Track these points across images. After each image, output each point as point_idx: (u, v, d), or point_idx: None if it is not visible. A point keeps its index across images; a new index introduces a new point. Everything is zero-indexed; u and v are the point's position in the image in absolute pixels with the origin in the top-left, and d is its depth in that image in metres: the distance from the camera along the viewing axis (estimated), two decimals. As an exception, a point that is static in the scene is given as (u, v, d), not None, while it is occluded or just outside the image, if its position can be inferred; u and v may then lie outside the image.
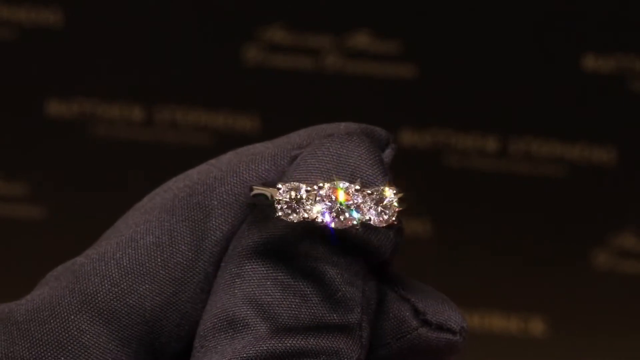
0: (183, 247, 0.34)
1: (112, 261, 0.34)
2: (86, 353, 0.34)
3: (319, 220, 0.33)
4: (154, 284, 0.34)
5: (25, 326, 0.34)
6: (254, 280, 0.33)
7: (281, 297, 0.33)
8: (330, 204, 0.33)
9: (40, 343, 0.34)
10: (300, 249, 0.33)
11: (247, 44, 0.97)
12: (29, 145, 1.00)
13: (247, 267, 0.33)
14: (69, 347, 0.34)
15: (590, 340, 0.98)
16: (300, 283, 0.33)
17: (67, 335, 0.34)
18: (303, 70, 0.97)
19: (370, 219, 0.33)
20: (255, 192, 0.34)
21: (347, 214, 0.33)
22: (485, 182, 0.98)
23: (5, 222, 1.00)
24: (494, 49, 0.96)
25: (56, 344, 0.34)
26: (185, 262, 0.34)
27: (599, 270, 0.98)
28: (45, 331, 0.34)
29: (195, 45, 0.97)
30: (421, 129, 0.97)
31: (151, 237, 0.35)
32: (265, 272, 0.33)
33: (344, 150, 0.34)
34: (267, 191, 0.33)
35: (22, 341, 0.34)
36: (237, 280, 0.33)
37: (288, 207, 0.33)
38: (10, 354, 0.34)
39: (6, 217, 1.00)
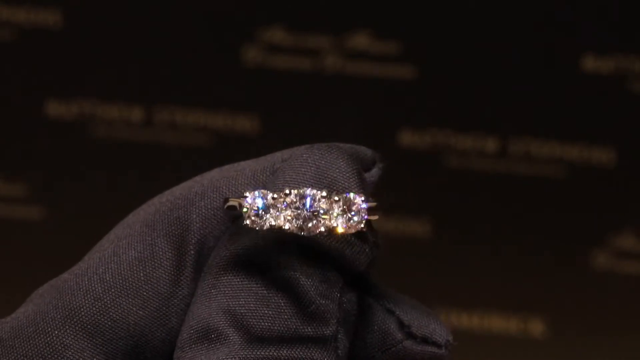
0: (165, 262, 0.34)
1: (94, 276, 0.35)
2: None
3: (286, 227, 0.33)
4: (137, 298, 0.34)
5: (10, 343, 0.34)
6: (229, 291, 0.33)
7: (255, 308, 0.33)
8: (297, 211, 0.33)
9: (25, 359, 0.34)
10: (276, 260, 0.33)
11: (247, 44, 0.97)
12: (28, 145, 1.00)
13: (223, 278, 0.34)
14: None
15: (590, 340, 0.98)
16: (275, 295, 0.33)
17: (50, 350, 0.34)
18: (303, 70, 0.97)
19: (337, 226, 0.33)
20: (228, 204, 0.34)
21: (313, 221, 0.33)
22: (485, 182, 0.98)
23: (5, 222, 1.00)
24: (493, 49, 0.96)
25: (40, 359, 0.34)
26: (167, 277, 0.34)
27: (599, 270, 0.98)
28: (29, 347, 0.34)
29: (195, 46, 0.97)
30: (421, 129, 0.97)
31: (133, 251, 0.35)
32: (240, 283, 0.33)
33: (323, 162, 0.34)
34: (237, 201, 0.33)
35: (7, 358, 0.34)
36: (212, 291, 0.34)
37: (255, 216, 0.33)
38: None
39: (6, 217, 1.00)
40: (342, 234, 0.33)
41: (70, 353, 0.34)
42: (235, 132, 0.97)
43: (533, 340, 0.99)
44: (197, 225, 0.35)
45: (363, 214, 0.33)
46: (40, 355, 0.34)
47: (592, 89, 0.96)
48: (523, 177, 0.98)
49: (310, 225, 0.33)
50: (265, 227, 0.33)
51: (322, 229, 0.33)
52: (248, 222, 0.33)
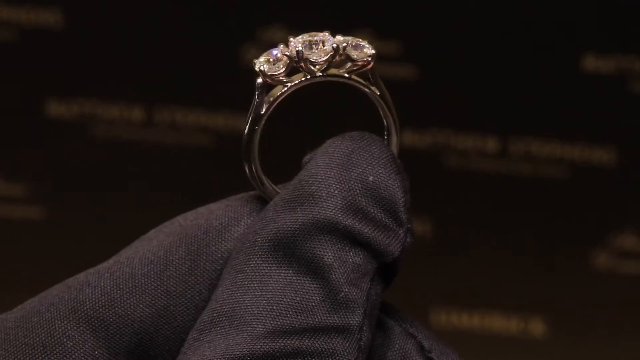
0: (177, 260, 0.34)
1: (106, 274, 0.35)
2: (69, 358, 0.34)
3: (293, 44, 0.35)
4: (145, 295, 0.34)
5: (14, 332, 0.34)
6: (256, 276, 0.33)
7: (282, 294, 0.33)
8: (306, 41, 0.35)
9: (26, 347, 0.34)
10: (308, 245, 0.33)
11: (247, 44, 0.97)
12: (29, 145, 1.00)
13: (251, 262, 0.33)
14: (53, 351, 0.34)
15: (591, 340, 0.98)
16: (303, 280, 0.33)
17: (52, 339, 0.34)
18: (303, 70, 0.97)
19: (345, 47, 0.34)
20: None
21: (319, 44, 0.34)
22: (485, 182, 0.98)
23: (5, 222, 1.00)
24: (493, 49, 0.96)
25: (41, 347, 0.34)
26: (178, 276, 0.34)
27: (599, 270, 0.98)
28: (31, 336, 0.34)
29: (195, 46, 0.97)
30: (421, 129, 0.97)
31: (149, 254, 0.35)
32: (267, 268, 0.33)
33: (355, 147, 0.35)
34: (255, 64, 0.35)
35: (9, 346, 0.34)
36: (239, 275, 0.33)
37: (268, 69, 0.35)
38: None
39: (6, 217, 1.00)
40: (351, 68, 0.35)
41: (71, 344, 0.34)
42: (236, 133, 0.97)
43: (533, 340, 0.99)
44: (217, 230, 0.35)
45: (371, 52, 0.35)
46: (41, 344, 0.34)
47: (592, 89, 0.96)
48: (523, 177, 0.98)
49: (315, 47, 0.34)
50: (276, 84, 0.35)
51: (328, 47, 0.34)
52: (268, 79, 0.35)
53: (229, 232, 0.35)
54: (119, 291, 0.34)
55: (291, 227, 0.33)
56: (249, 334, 0.32)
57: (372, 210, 0.33)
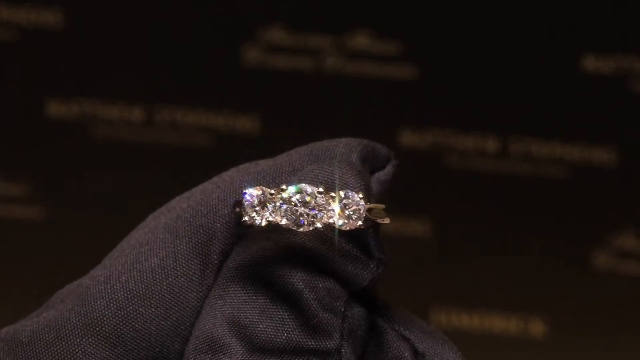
0: (188, 270, 0.34)
1: (117, 284, 0.34)
2: None
3: (282, 223, 0.33)
4: (160, 308, 0.34)
5: (31, 347, 0.34)
6: (234, 302, 0.33)
7: (259, 319, 0.33)
8: (293, 207, 0.33)
9: None
10: (280, 272, 0.33)
11: (247, 44, 0.97)
12: (29, 145, 1.00)
13: (229, 289, 0.34)
14: None
15: (591, 341, 0.98)
16: (279, 307, 0.33)
17: (71, 357, 0.34)
18: (303, 71, 0.97)
19: (334, 222, 0.33)
20: (236, 204, 0.34)
21: (309, 217, 0.33)
22: (485, 182, 0.98)
23: (5, 222, 1.00)
24: (493, 49, 0.96)
25: None
26: (190, 286, 0.34)
27: (599, 271, 0.98)
28: (50, 353, 0.34)
29: (195, 46, 0.97)
30: (421, 129, 0.97)
31: (155, 259, 0.34)
32: (245, 295, 0.33)
33: (335, 180, 0.34)
34: (239, 201, 0.34)
35: None
36: (219, 302, 0.33)
37: (253, 211, 0.33)
38: None
39: (6, 217, 1.00)
40: (342, 231, 0.33)
41: None
42: (236, 133, 0.97)
43: (533, 340, 0.99)
44: (222, 234, 0.35)
45: (362, 211, 0.33)
46: None
47: (592, 89, 0.96)
48: (523, 177, 0.97)
49: (305, 221, 0.33)
50: (262, 223, 0.33)
51: (319, 225, 0.33)
52: (246, 218, 0.33)
53: (231, 231, 0.35)
54: (133, 304, 0.34)
55: (263, 255, 0.34)
56: (231, 358, 0.33)
57: (342, 241, 0.34)
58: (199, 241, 0.34)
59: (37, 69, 0.99)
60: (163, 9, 0.97)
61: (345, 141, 0.36)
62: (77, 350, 0.34)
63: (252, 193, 0.33)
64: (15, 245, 1.00)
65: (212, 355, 0.33)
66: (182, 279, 0.34)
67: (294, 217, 0.33)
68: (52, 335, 0.34)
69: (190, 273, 0.34)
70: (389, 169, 0.36)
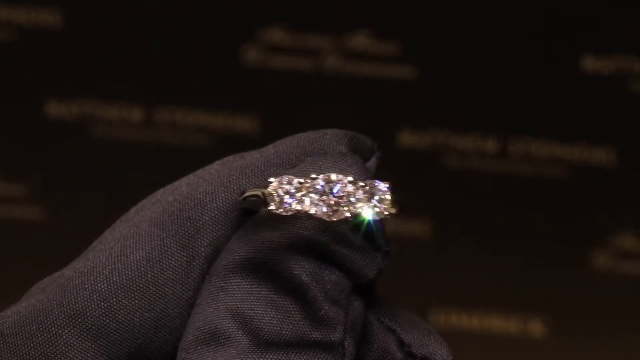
0: (174, 263, 0.34)
1: (100, 276, 0.34)
2: None
3: (312, 212, 0.33)
4: (143, 299, 0.34)
5: (12, 339, 0.34)
6: (238, 294, 0.33)
7: (264, 312, 0.33)
8: (323, 196, 0.33)
9: (27, 357, 0.34)
10: (286, 265, 0.33)
11: (247, 44, 0.97)
12: (28, 146, 1.00)
13: (231, 281, 0.33)
14: None
15: (590, 341, 0.98)
16: (284, 299, 0.33)
17: (54, 350, 0.34)
18: (302, 71, 0.97)
19: (362, 212, 0.33)
20: (246, 194, 0.33)
21: (340, 206, 0.33)
22: (485, 182, 0.98)
23: (5, 222, 1.00)
24: (493, 50, 0.96)
25: (43, 358, 0.34)
26: (175, 278, 0.34)
27: (599, 271, 0.98)
28: (32, 345, 0.34)
29: (195, 46, 0.97)
30: (420, 130, 0.97)
31: (141, 251, 0.34)
32: (249, 287, 0.33)
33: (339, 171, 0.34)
34: (259, 191, 0.33)
35: (9, 354, 0.34)
36: (221, 293, 0.33)
37: (280, 201, 0.33)
38: None
39: (5, 217, 1.00)
40: (367, 220, 0.33)
41: (73, 353, 0.33)
42: (235, 133, 0.97)
43: (533, 340, 0.99)
44: (210, 227, 0.34)
45: (388, 200, 0.33)
46: (42, 354, 0.34)
47: (592, 90, 0.96)
48: (523, 178, 0.98)
49: (337, 209, 0.33)
50: (290, 212, 0.33)
51: (348, 214, 0.33)
52: (273, 206, 0.33)
53: (222, 228, 0.35)
54: (117, 295, 0.34)
55: (269, 247, 0.33)
56: (235, 349, 0.32)
57: (348, 232, 0.34)
58: (186, 234, 0.34)
59: (37, 69, 0.99)
60: (163, 9, 0.97)
61: (332, 132, 0.36)
62: (59, 341, 0.33)
63: (281, 180, 0.33)
64: (15, 245, 1.01)
65: (215, 346, 0.33)
66: (168, 272, 0.34)
67: (325, 206, 0.33)
68: (34, 327, 0.34)
69: (176, 265, 0.34)
70: (373, 160, 0.36)
